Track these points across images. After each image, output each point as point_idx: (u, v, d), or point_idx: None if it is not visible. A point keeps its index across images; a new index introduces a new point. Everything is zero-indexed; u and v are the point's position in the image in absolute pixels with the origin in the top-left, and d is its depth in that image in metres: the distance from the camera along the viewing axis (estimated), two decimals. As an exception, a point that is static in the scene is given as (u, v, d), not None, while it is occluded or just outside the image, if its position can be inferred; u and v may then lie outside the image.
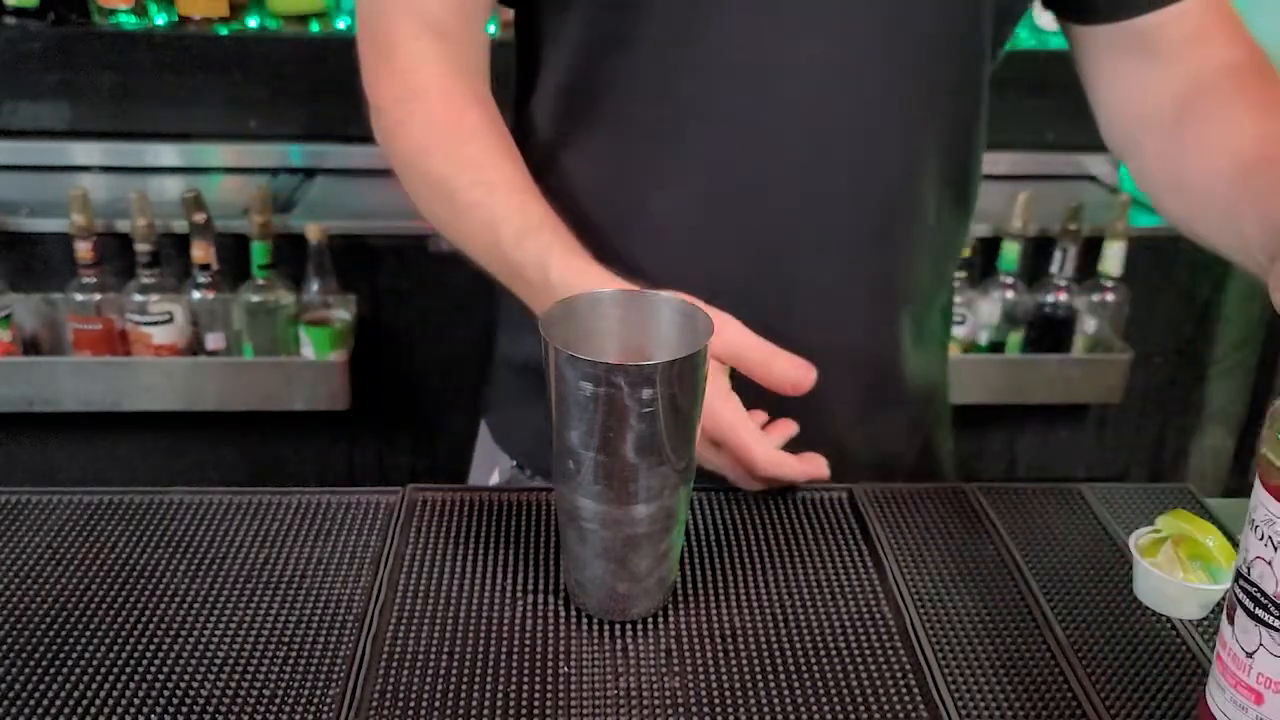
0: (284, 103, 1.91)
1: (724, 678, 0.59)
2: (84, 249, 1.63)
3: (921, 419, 0.93)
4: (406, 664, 0.60)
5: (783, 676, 0.60)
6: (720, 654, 0.61)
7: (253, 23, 1.96)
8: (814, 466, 0.72)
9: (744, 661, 0.61)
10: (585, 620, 0.64)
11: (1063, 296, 1.82)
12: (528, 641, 0.62)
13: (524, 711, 0.57)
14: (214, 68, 1.90)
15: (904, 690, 0.59)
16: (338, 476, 1.87)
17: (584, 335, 0.63)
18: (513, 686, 0.58)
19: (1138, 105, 0.84)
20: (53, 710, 0.56)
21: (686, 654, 0.61)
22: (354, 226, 1.74)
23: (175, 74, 1.89)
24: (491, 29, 0.88)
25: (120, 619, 0.63)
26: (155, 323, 1.67)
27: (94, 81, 1.89)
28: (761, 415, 0.74)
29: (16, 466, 1.82)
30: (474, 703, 0.57)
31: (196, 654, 0.60)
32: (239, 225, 1.69)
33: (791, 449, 0.72)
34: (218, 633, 0.62)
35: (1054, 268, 1.81)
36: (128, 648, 0.60)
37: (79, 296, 1.66)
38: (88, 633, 0.61)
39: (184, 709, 0.56)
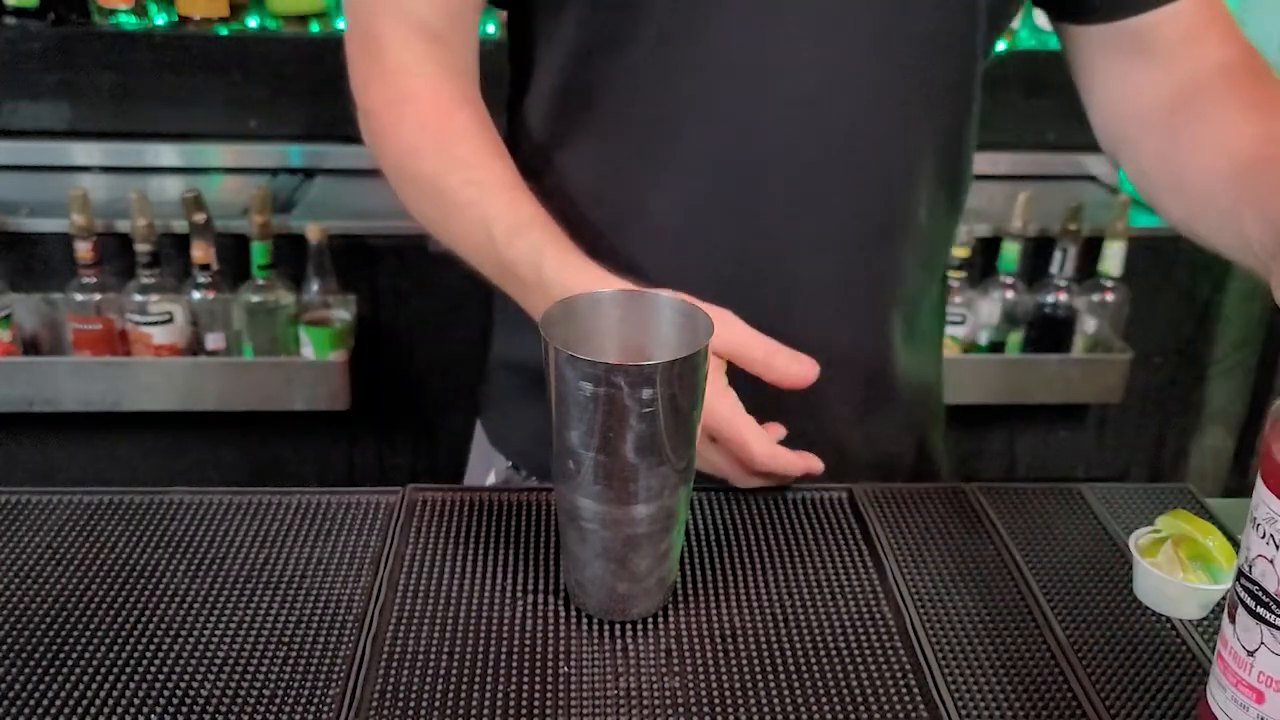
0: (284, 103, 1.91)
1: (724, 678, 0.59)
2: (84, 249, 1.63)
3: (917, 418, 0.93)
4: (406, 664, 0.60)
5: (783, 676, 0.60)
6: (720, 654, 0.61)
7: (253, 23, 1.96)
8: (809, 461, 0.72)
9: (744, 661, 0.61)
10: (585, 620, 0.64)
11: (1063, 296, 1.82)
12: (528, 641, 0.62)
13: (524, 711, 0.57)
14: (214, 68, 1.90)
15: (904, 690, 0.59)
16: (338, 476, 1.87)
17: (584, 335, 0.63)
18: (513, 686, 0.58)
19: (1133, 105, 0.84)
20: (53, 710, 0.56)
21: (686, 654, 0.61)
22: (354, 226, 1.74)
23: (175, 74, 1.89)
24: (491, 29, 0.88)
25: (120, 619, 0.63)
26: (155, 323, 1.67)
27: (94, 81, 1.89)
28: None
29: (16, 466, 1.82)
30: (474, 703, 0.57)
31: (196, 654, 0.60)
32: (239, 225, 1.68)
33: (790, 449, 0.72)
34: (218, 633, 0.62)
35: (1054, 268, 1.81)
36: (128, 648, 0.60)
37: (79, 296, 1.66)
38: (88, 633, 0.61)
39: (184, 709, 0.56)
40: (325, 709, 0.57)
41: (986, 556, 0.71)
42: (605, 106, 0.79)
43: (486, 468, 0.94)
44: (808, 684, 0.59)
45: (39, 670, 0.58)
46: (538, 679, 0.59)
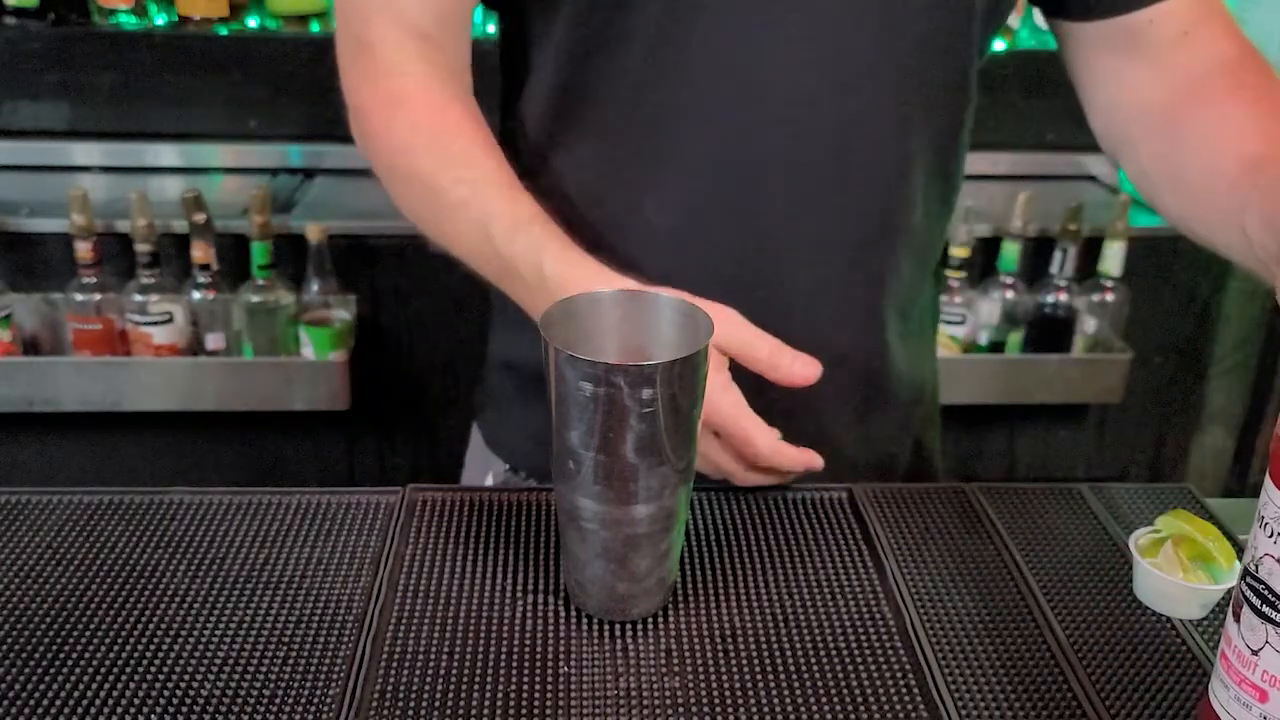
0: (284, 103, 1.91)
1: (724, 678, 0.59)
2: (84, 249, 1.63)
3: (914, 417, 0.93)
4: (406, 664, 0.60)
5: (783, 676, 0.60)
6: (720, 654, 0.61)
7: (253, 23, 1.96)
8: (810, 457, 0.72)
9: (744, 661, 0.61)
10: (585, 620, 0.64)
11: (1063, 296, 1.82)
12: (528, 641, 0.62)
13: (524, 711, 0.57)
14: (214, 68, 1.90)
15: (904, 690, 0.59)
16: (338, 476, 1.87)
17: (584, 335, 0.63)
18: (513, 686, 0.58)
19: (1131, 104, 0.84)
20: (53, 710, 0.56)
21: (686, 654, 0.61)
22: (354, 226, 1.74)
23: (175, 74, 1.89)
24: (490, 29, 0.88)
25: (120, 619, 0.63)
26: (155, 323, 1.67)
27: (94, 81, 1.89)
28: None
29: (16, 466, 1.82)
30: (474, 703, 0.57)
31: (196, 654, 0.60)
32: (239, 225, 1.68)
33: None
34: (218, 633, 0.62)
35: (1054, 268, 1.81)
36: (128, 648, 0.60)
37: (79, 296, 1.66)
38: (88, 633, 0.61)
39: (184, 709, 0.56)
40: (325, 709, 0.57)
41: (986, 556, 0.71)
42: (602, 107, 0.79)
43: (484, 470, 0.94)
44: (808, 684, 0.59)
45: (39, 670, 0.58)
46: (538, 679, 0.59)
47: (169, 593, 0.65)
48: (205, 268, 1.67)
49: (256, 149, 1.94)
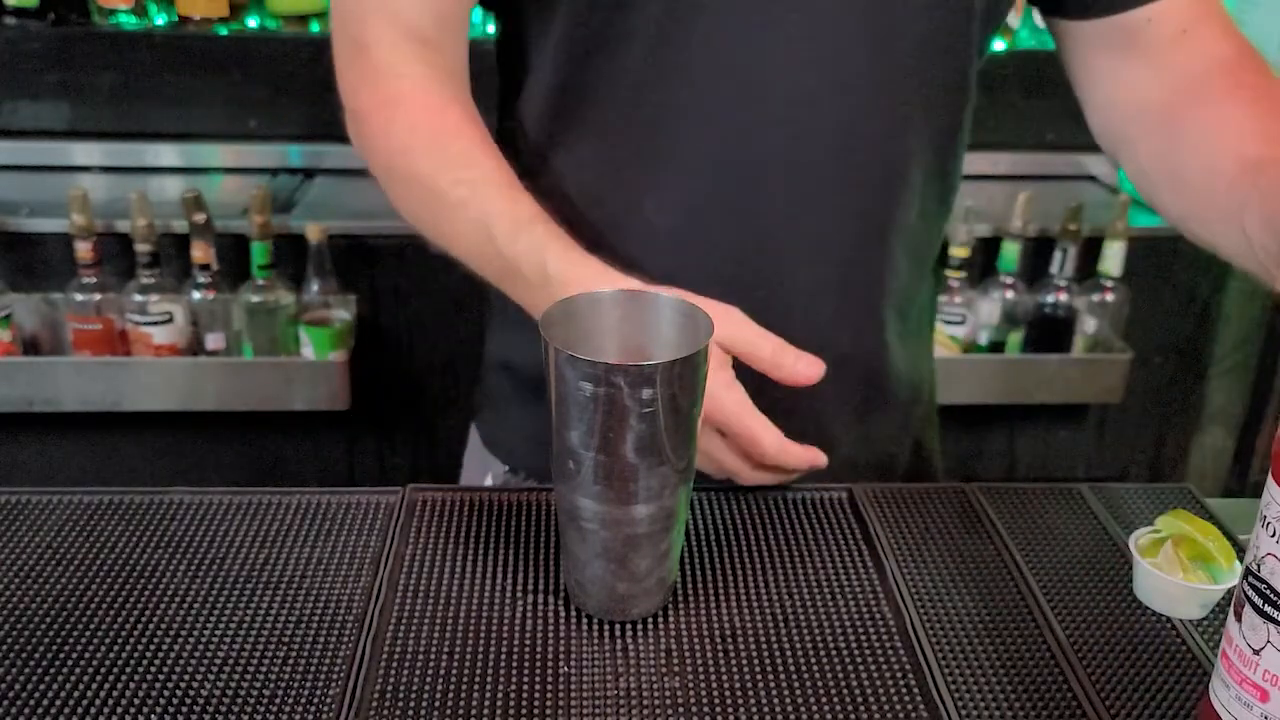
0: (284, 103, 1.91)
1: (724, 678, 0.59)
2: (84, 249, 1.63)
3: (912, 416, 0.93)
4: (406, 664, 0.60)
5: (783, 676, 0.60)
6: (720, 654, 0.61)
7: (253, 23, 1.96)
8: (814, 455, 0.72)
9: (744, 661, 0.61)
10: (585, 620, 0.64)
11: (1063, 296, 1.82)
12: (528, 641, 0.62)
13: (524, 711, 0.57)
14: (214, 68, 1.90)
15: (904, 690, 0.59)
16: (338, 476, 1.87)
17: (584, 335, 0.63)
18: (513, 686, 0.58)
19: (1130, 103, 0.84)
20: (53, 710, 0.56)
21: (686, 654, 0.61)
22: (354, 226, 1.74)
23: (175, 74, 1.89)
24: (492, 29, 0.88)
25: (120, 619, 0.63)
26: (155, 323, 1.67)
27: (94, 81, 1.89)
28: None
29: (16, 466, 1.82)
30: (474, 703, 0.57)
31: (196, 654, 0.60)
32: (239, 225, 1.68)
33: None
34: (218, 633, 0.62)
35: (1054, 268, 1.81)
36: (128, 648, 0.60)
37: (79, 296, 1.66)
38: (88, 633, 0.61)
39: (184, 709, 0.56)
40: (325, 709, 0.57)
41: (986, 556, 0.71)
42: (602, 107, 0.79)
43: (482, 471, 0.94)
44: (808, 684, 0.59)
45: (39, 670, 0.58)
46: (538, 679, 0.59)
47: (169, 593, 0.65)
48: (205, 268, 1.67)
49: (256, 149, 1.94)
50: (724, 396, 0.68)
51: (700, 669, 0.60)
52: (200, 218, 1.63)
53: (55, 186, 1.75)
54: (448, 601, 0.65)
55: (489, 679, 0.59)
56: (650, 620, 0.64)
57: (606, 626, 0.63)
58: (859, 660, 0.61)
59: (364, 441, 1.88)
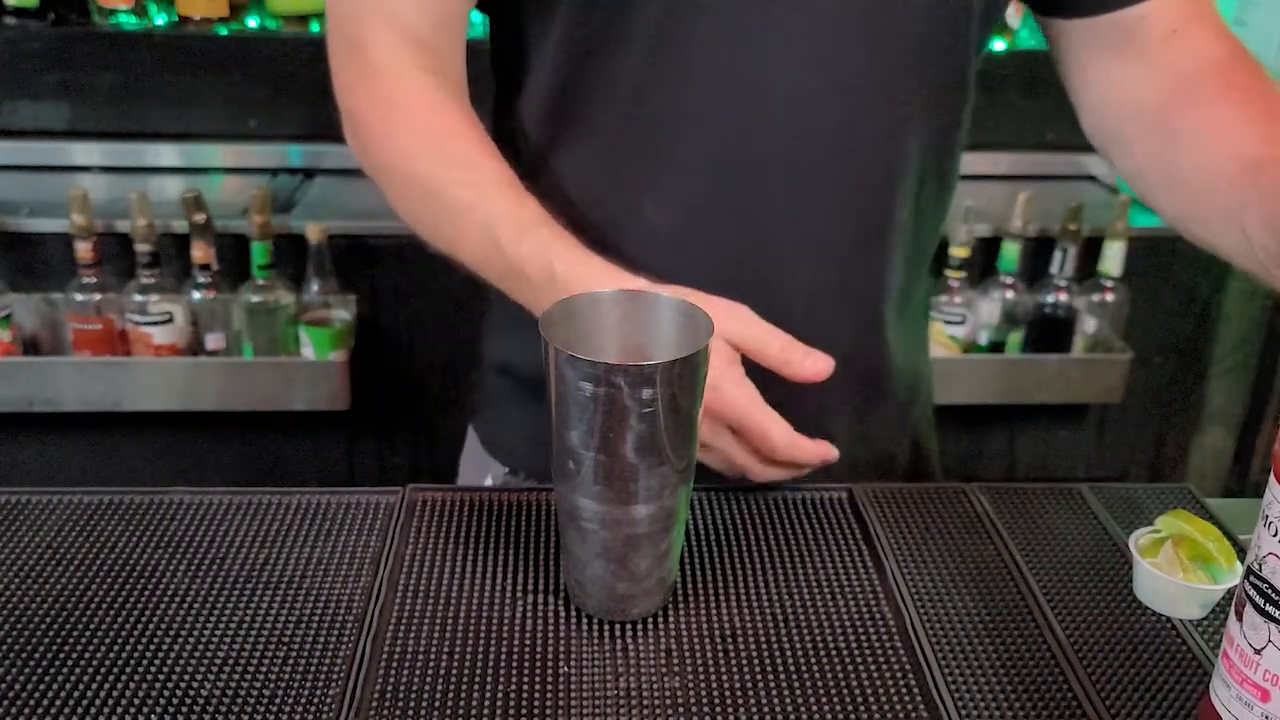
0: (284, 103, 1.91)
1: (724, 678, 0.59)
2: (84, 249, 1.63)
3: (911, 414, 0.93)
4: (406, 664, 0.60)
5: (783, 676, 0.60)
6: (720, 654, 0.61)
7: (253, 23, 1.96)
8: (825, 450, 0.72)
9: (744, 661, 0.61)
10: (585, 620, 0.64)
11: (1063, 296, 1.82)
12: (528, 641, 0.62)
13: (524, 711, 0.57)
14: (214, 68, 1.90)
15: (904, 690, 0.59)
16: (338, 476, 1.87)
17: (584, 335, 0.63)
18: (513, 686, 0.58)
19: (1124, 102, 0.84)
20: (53, 710, 0.56)
21: (686, 654, 0.61)
22: (354, 226, 1.74)
23: (175, 74, 1.89)
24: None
25: (120, 619, 0.63)
26: (155, 323, 1.67)
27: (94, 81, 1.89)
28: None
29: (16, 466, 1.82)
30: (474, 703, 0.57)
31: (196, 654, 0.60)
32: (239, 225, 1.68)
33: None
34: (218, 633, 0.62)
35: (1054, 268, 1.81)
36: (128, 648, 0.60)
37: (79, 296, 1.66)
38: (88, 633, 0.61)
39: (184, 709, 0.56)
40: (325, 709, 0.57)
41: (986, 556, 0.71)
42: (601, 108, 0.79)
43: (481, 472, 0.94)
44: (808, 684, 0.59)
45: (39, 670, 0.58)
46: (538, 679, 0.59)
47: (169, 593, 0.65)
48: (205, 268, 1.67)
49: (256, 149, 1.94)
50: (734, 392, 0.68)
51: (700, 669, 0.60)
52: (200, 218, 1.63)
53: (55, 186, 1.75)
54: (448, 601, 0.65)
55: (489, 679, 0.59)
56: (650, 620, 0.64)
57: (606, 626, 0.63)
58: (859, 660, 0.61)
59: (364, 441, 1.88)
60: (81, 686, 0.57)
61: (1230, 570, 0.65)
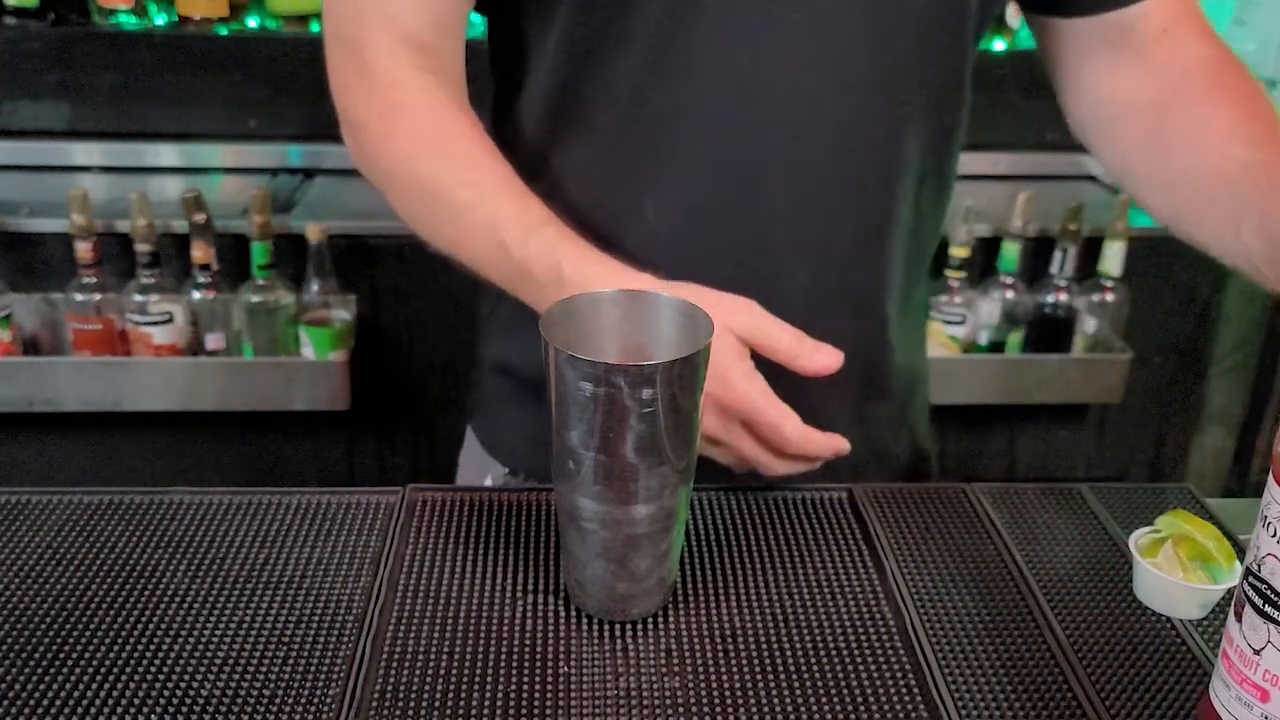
0: (284, 103, 1.91)
1: (724, 678, 0.59)
2: (84, 249, 1.63)
3: (909, 411, 0.94)
4: (406, 664, 0.60)
5: (783, 676, 0.60)
6: (720, 654, 0.61)
7: (253, 23, 1.96)
8: (836, 442, 0.72)
9: (744, 661, 0.61)
10: (585, 620, 0.64)
11: (1063, 296, 1.82)
12: (528, 641, 0.62)
13: (524, 711, 0.57)
14: (214, 68, 1.90)
15: (904, 690, 0.59)
16: (338, 476, 1.87)
17: (584, 335, 0.63)
18: (513, 686, 0.58)
19: (1118, 100, 0.85)
20: (53, 710, 0.56)
21: (686, 654, 0.61)
22: (354, 226, 1.74)
23: (175, 74, 1.89)
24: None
25: (120, 619, 0.63)
26: (155, 323, 1.67)
27: (94, 81, 1.89)
28: None
29: (16, 466, 1.82)
30: (474, 703, 0.57)
31: (196, 654, 0.60)
32: (239, 225, 1.68)
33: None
34: (218, 633, 0.62)
35: (1054, 268, 1.81)
36: (128, 648, 0.60)
37: (79, 296, 1.66)
38: (88, 633, 0.61)
39: (184, 709, 0.56)
40: (325, 709, 0.57)
41: (986, 556, 0.71)
42: (601, 109, 0.79)
43: (480, 473, 0.94)
44: (808, 684, 0.59)
45: (39, 670, 0.58)
46: (538, 679, 0.59)
47: (169, 593, 0.65)
48: (205, 268, 1.67)
49: (256, 149, 1.94)
50: (745, 386, 0.68)
51: (700, 669, 0.60)
52: (200, 218, 1.63)
53: (55, 186, 1.75)
54: (448, 601, 0.65)
55: (489, 679, 0.59)
56: (650, 620, 0.64)
57: (606, 626, 0.63)
58: (859, 660, 0.61)
59: (364, 441, 1.88)
60: (81, 686, 0.57)
61: (1230, 570, 0.65)
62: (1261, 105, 0.79)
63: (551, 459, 0.62)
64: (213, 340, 1.72)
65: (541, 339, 0.58)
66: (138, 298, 1.66)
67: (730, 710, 0.57)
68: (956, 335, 1.81)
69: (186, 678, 0.58)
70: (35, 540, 0.69)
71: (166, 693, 0.57)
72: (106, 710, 0.56)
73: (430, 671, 0.59)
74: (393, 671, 0.59)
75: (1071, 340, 1.85)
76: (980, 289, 1.84)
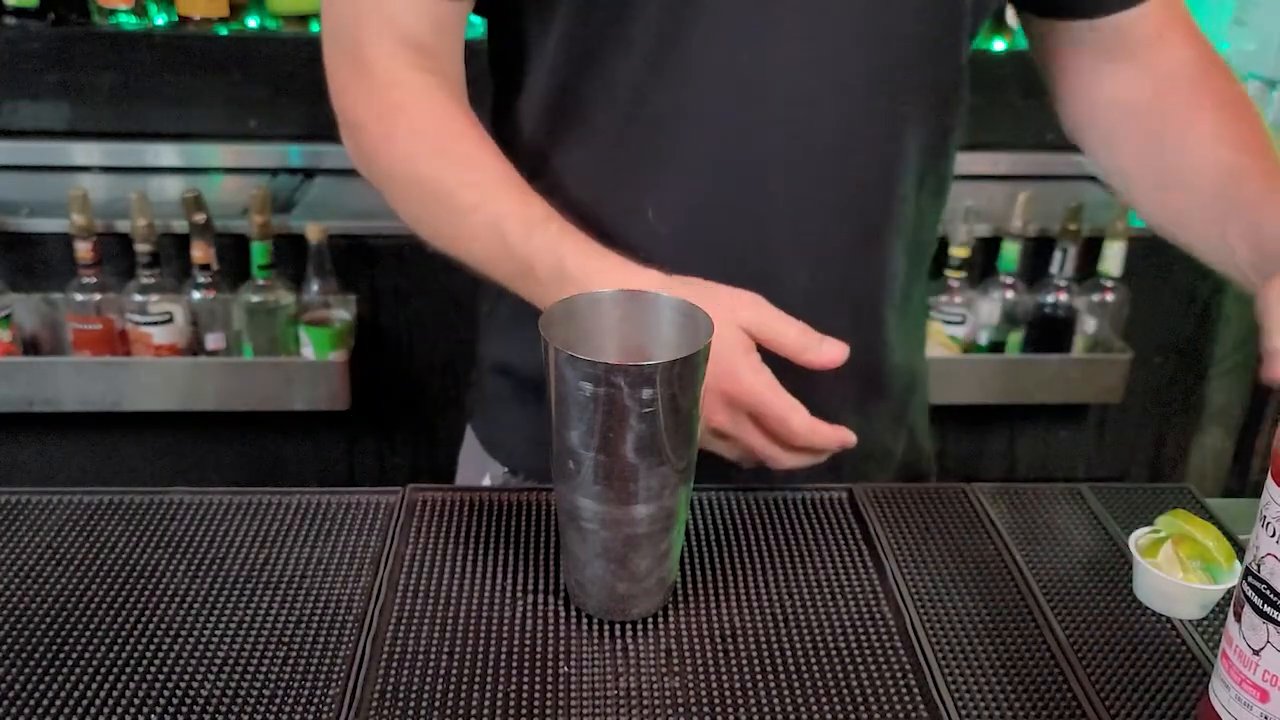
0: (284, 103, 1.91)
1: (724, 678, 0.59)
2: (84, 249, 1.63)
3: (908, 409, 0.94)
4: (406, 664, 0.60)
5: (783, 676, 0.60)
6: (720, 654, 0.61)
7: (253, 23, 1.96)
8: (843, 435, 0.72)
9: (744, 661, 0.61)
10: (585, 620, 0.64)
11: (1063, 296, 1.82)
12: (528, 641, 0.62)
13: (524, 711, 0.57)
14: (214, 68, 1.90)
15: (904, 690, 0.59)
16: (338, 476, 1.87)
17: (584, 335, 0.63)
18: (513, 686, 0.58)
19: (1116, 101, 0.86)
20: (53, 710, 0.56)
21: (686, 654, 0.61)
22: (354, 226, 1.74)
23: (175, 74, 1.89)
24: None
25: (120, 619, 0.63)
26: (155, 323, 1.67)
27: (94, 81, 1.88)
28: None
29: (16, 466, 1.82)
30: (474, 703, 0.57)
31: (196, 654, 0.60)
32: (239, 225, 1.68)
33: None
34: (218, 633, 0.62)
35: (1054, 268, 1.81)
36: (128, 648, 0.60)
37: (79, 296, 1.66)
38: (88, 633, 0.61)
39: (184, 709, 0.56)
40: (325, 709, 0.57)
41: (986, 556, 0.71)
42: (601, 110, 0.79)
43: (480, 472, 0.94)
44: (808, 684, 0.59)
45: (39, 670, 0.59)
46: (538, 679, 0.59)
47: (169, 593, 0.65)
48: (205, 268, 1.67)
49: (256, 149, 1.94)
50: (753, 379, 0.69)
51: (700, 669, 0.60)
52: (200, 218, 1.63)
53: (55, 186, 1.75)
54: (448, 601, 0.65)
55: (489, 679, 0.59)
56: (650, 620, 0.64)
57: (606, 626, 0.63)
58: (859, 660, 0.61)
59: (364, 441, 1.88)
60: (81, 686, 0.57)
61: (1230, 570, 0.65)
62: (1245, 108, 0.81)
63: (551, 459, 0.62)
64: (213, 340, 1.72)
65: (541, 339, 0.58)
66: (138, 298, 1.66)
67: (730, 710, 0.57)
68: (956, 335, 1.81)
69: (186, 678, 0.58)
70: (35, 540, 0.69)
71: (166, 693, 0.57)
72: (106, 710, 0.56)
73: (430, 671, 0.59)
74: (393, 671, 0.59)
75: (1071, 340, 1.85)
76: (980, 289, 1.84)
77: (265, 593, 0.65)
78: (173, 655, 0.60)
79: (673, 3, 0.74)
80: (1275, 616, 0.49)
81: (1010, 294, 1.83)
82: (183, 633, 0.62)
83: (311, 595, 0.65)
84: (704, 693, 0.58)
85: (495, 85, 0.87)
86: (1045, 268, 1.83)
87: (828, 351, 0.71)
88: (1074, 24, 0.85)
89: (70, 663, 0.59)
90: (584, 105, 0.79)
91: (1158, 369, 2.00)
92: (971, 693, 0.59)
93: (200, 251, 1.66)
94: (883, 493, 0.77)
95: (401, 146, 0.77)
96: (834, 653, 0.62)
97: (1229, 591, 0.65)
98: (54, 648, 0.60)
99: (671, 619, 0.64)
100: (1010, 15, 1.08)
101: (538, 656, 0.61)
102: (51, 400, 1.68)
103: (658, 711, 0.57)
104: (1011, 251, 1.80)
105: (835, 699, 0.58)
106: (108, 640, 0.61)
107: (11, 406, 1.68)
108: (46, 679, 0.58)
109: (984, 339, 1.86)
